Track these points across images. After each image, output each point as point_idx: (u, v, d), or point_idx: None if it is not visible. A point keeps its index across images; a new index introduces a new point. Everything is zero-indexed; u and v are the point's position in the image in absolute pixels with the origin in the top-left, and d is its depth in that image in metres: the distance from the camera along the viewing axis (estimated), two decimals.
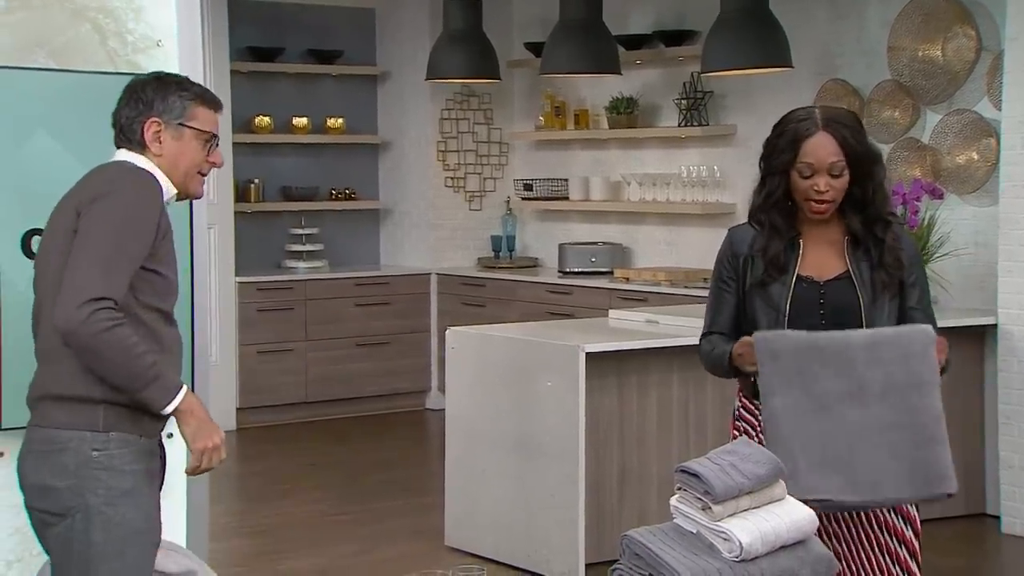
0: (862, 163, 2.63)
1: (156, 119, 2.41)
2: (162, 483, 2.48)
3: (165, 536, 2.79)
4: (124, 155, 2.45)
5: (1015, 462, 5.01)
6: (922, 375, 2.52)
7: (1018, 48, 4.98)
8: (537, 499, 4.45)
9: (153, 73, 2.49)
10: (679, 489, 2.27)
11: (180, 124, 2.41)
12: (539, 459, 4.45)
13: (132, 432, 2.35)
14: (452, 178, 7.65)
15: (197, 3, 3.09)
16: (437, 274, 7.51)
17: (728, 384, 4.61)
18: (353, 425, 6.88)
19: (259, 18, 7.40)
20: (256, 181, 7.33)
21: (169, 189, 2.44)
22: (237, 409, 6.80)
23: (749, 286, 2.68)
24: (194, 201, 2.97)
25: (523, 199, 7.40)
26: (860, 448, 2.48)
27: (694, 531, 2.23)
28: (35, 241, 2.91)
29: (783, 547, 2.25)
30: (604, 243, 6.99)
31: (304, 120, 7.47)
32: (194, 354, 2.92)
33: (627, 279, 6.47)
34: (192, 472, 2.38)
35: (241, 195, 7.29)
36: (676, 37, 6.59)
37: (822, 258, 2.69)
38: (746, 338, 2.62)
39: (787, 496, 2.31)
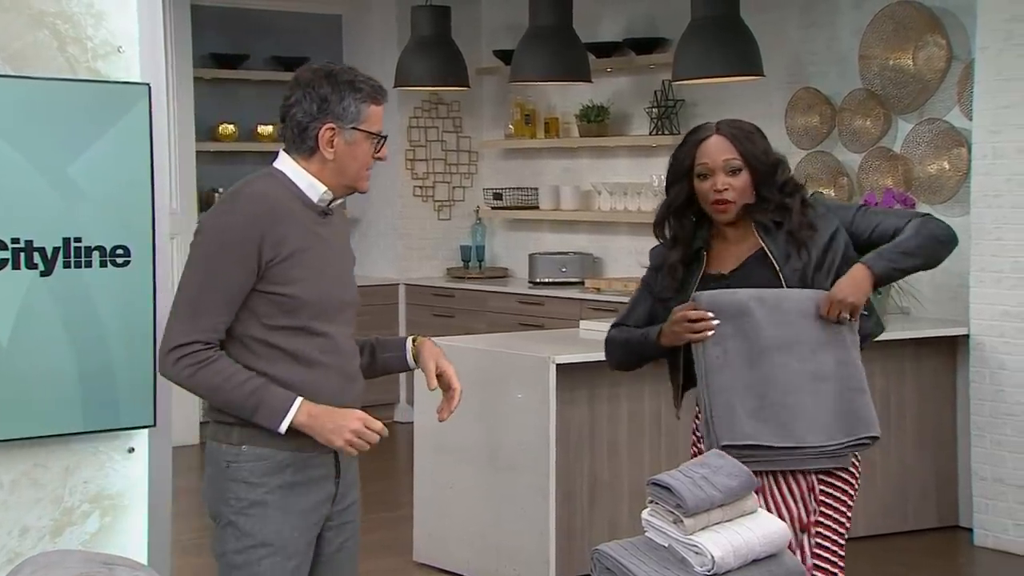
0: (759, 164, 2.72)
1: (332, 125, 2.42)
2: (335, 496, 2.49)
3: (125, 554, 2.77)
4: (282, 162, 2.47)
5: (987, 474, 5.05)
6: (842, 331, 2.66)
7: (988, 58, 5.04)
8: (507, 513, 4.44)
9: (322, 67, 2.47)
10: (651, 502, 2.28)
11: (354, 128, 2.43)
12: (509, 472, 4.44)
13: (267, 446, 2.41)
14: (420, 187, 7.65)
15: (159, 8, 3.07)
16: (405, 284, 7.49)
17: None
18: None
19: (223, 24, 7.37)
20: (220, 191, 7.28)
21: (318, 191, 2.45)
22: (200, 423, 6.75)
23: (657, 300, 2.83)
24: (156, 211, 2.95)
25: (492, 208, 7.40)
26: (793, 396, 2.61)
27: (666, 545, 2.24)
28: None
29: (755, 561, 2.26)
30: (575, 253, 7.00)
31: (269, 128, 7.44)
32: (155, 367, 2.90)
33: (598, 289, 6.48)
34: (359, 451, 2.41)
35: (205, 205, 7.24)
36: (647, 45, 6.62)
37: (727, 254, 2.77)
38: (679, 309, 2.70)
39: (759, 509, 2.32)
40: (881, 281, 2.67)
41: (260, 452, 2.42)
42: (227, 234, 2.39)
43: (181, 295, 2.41)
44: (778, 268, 2.70)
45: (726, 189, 2.71)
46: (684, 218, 2.79)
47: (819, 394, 2.61)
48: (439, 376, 2.58)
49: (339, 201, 2.52)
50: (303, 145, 2.45)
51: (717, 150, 2.73)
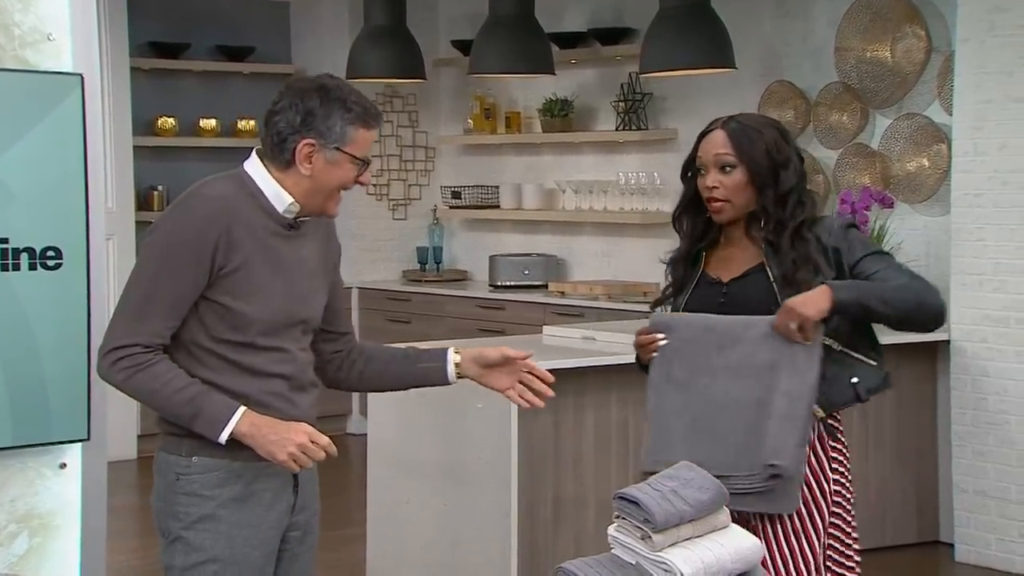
0: (755, 165, 2.70)
1: (312, 141, 2.42)
2: (294, 506, 2.52)
3: None
4: (252, 165, 2.47)
5: (969, 486, 5.10)
6: (797, 354, 2.63)
7: (970, 50, 5.10)
8: (466, 530, 4.44)
9: (319, 79, 2.47)
10: (617, 517, 2.28)
11: (337, 149, 2.43)
12: (468, 487, 4.44)
13: (220, 457, 2.42)
14: (375, 185, 7.63)
15: None
16: (359, 288, 7.47)
17: None
18: None
19: (162, 10, 7.32)
20: (160, 188, 7.24)
21: (284, 201, 2.45)
22: (138, 436, 6.69)
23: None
24: (91, 210, 2.93)
25: (451, 208, 7.40)
26: (725, 423, 2.65)
27: (633, 562, 2.24)
28: None
29: None
30: (538, 255, 7.01)
31: (212, 122, 7.40)
32: (90, 377, 2.87)
33: (562, 293, 6.50)
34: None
35: (143, 203, 7.19)
36: (613, 35, 6.64)
37: (731, 261, 2.77)
38: (639, 330, 2.80)
39: (731, 524, 2.33)
40: (841, 308, 2.63)
41: (212, 463, 2.43)
42: (179, 235, 2.39)
43: (127, 296, 2.42)
44: (776, 290, 2.70)
45: (716, 187, 2.71)
46: (698, 215, 2.80)
47: (752, 421, 2.62)
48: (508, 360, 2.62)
49: (306, 218, 2.51)
50: (280, 156, 2.45)
51: (712, 145, 2.73)
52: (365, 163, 2.47)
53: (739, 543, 2.29)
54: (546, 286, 6.74)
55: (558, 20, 6.87)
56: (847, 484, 2.78)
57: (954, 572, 5.07)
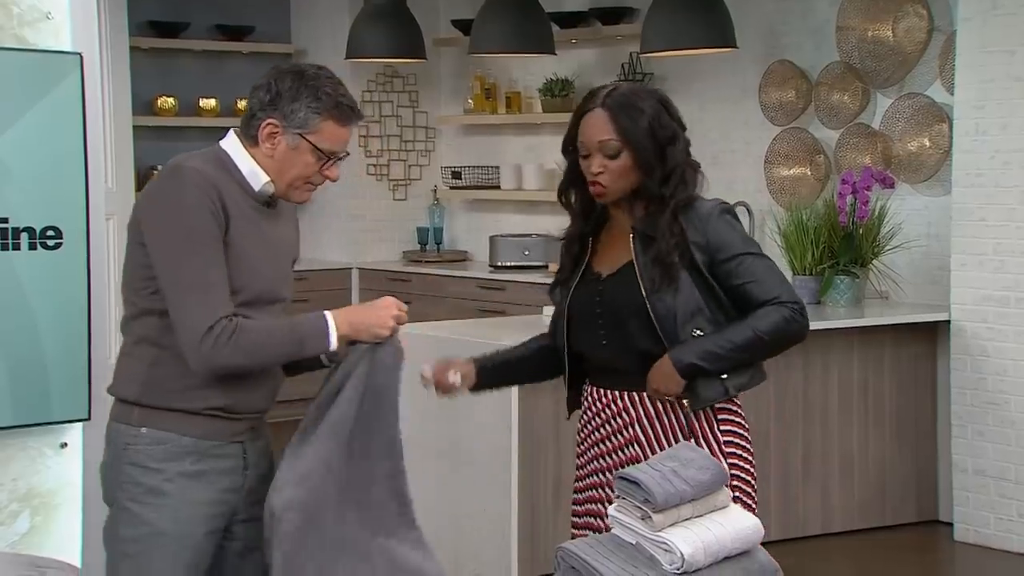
0: (640, 146, 2.57)
1: (274, 122, 2.43)
2: (243, 487, 2.47)
3: (58, 556, 2.75)
4: (229, 142, 2.49)
5: (968, 466, 5.11)
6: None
7: (971, 29, 5.08)
8: (466, 511, 4.45)
9: (303, 66, 2.49)
10: (618, 497, 2.28)
11: (299, 135, 2.43)
12: (469, 468, 4.45)
13: (170, 431, 2.41)
14: (374, 165, 7.62)
15: None
16: (359, 269, 7.47)
17: None
18: None
19: None
20: (159, 168, 7.21)
21: (260, 179, 2.46)
22: None
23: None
24: (90, 189, 2.92)
25: (451, 188, 7.38)
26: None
27: (633, 542, 2.25)
28: None
29: (727, 558, 2.27)
30: (538, 235, 7.00)
31: (212, 102, 7.38)
32: (91, 357, 2.87)
33: None
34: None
35: (143, 183, 7.17)
36: (614, 15, 6.62)
37: (612, 250, 2.67)
38: None
39: (731, 504, 2.34)
40: (687, 376, 2.56)
41: (160, 436, 2.40)
42: (194, 213, 2.35)
43: (182, 285, 2.35)
44: (645, 295, 2.59)
45: (601, 172, 2.58)
46: (585, 189, 2.65)
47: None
48: None
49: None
50: (247, 132, 2.47)
51: (594, 129, 2.57)
52: (329, 157, 2.45)
53: (739, 523, 2.30)
54: (546, 266, 6.74)
55: None
56: (746, 467, 2.67)
57: (953, 551, 5.08)
